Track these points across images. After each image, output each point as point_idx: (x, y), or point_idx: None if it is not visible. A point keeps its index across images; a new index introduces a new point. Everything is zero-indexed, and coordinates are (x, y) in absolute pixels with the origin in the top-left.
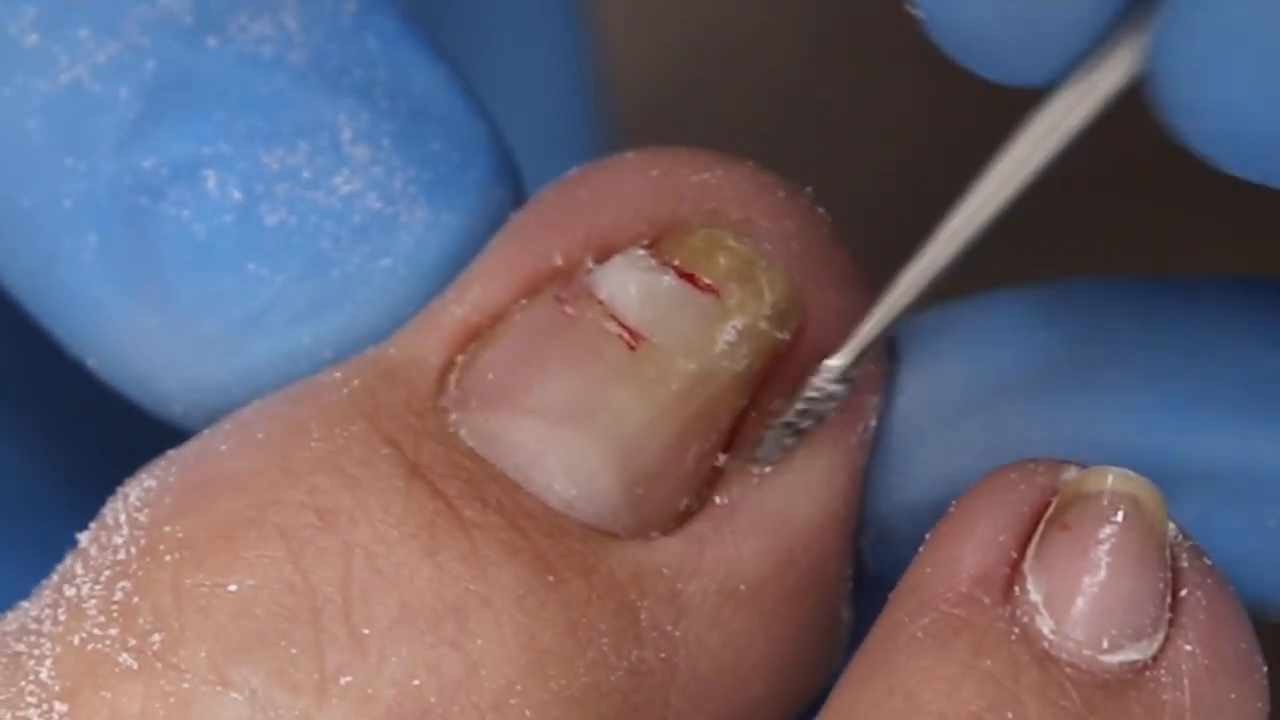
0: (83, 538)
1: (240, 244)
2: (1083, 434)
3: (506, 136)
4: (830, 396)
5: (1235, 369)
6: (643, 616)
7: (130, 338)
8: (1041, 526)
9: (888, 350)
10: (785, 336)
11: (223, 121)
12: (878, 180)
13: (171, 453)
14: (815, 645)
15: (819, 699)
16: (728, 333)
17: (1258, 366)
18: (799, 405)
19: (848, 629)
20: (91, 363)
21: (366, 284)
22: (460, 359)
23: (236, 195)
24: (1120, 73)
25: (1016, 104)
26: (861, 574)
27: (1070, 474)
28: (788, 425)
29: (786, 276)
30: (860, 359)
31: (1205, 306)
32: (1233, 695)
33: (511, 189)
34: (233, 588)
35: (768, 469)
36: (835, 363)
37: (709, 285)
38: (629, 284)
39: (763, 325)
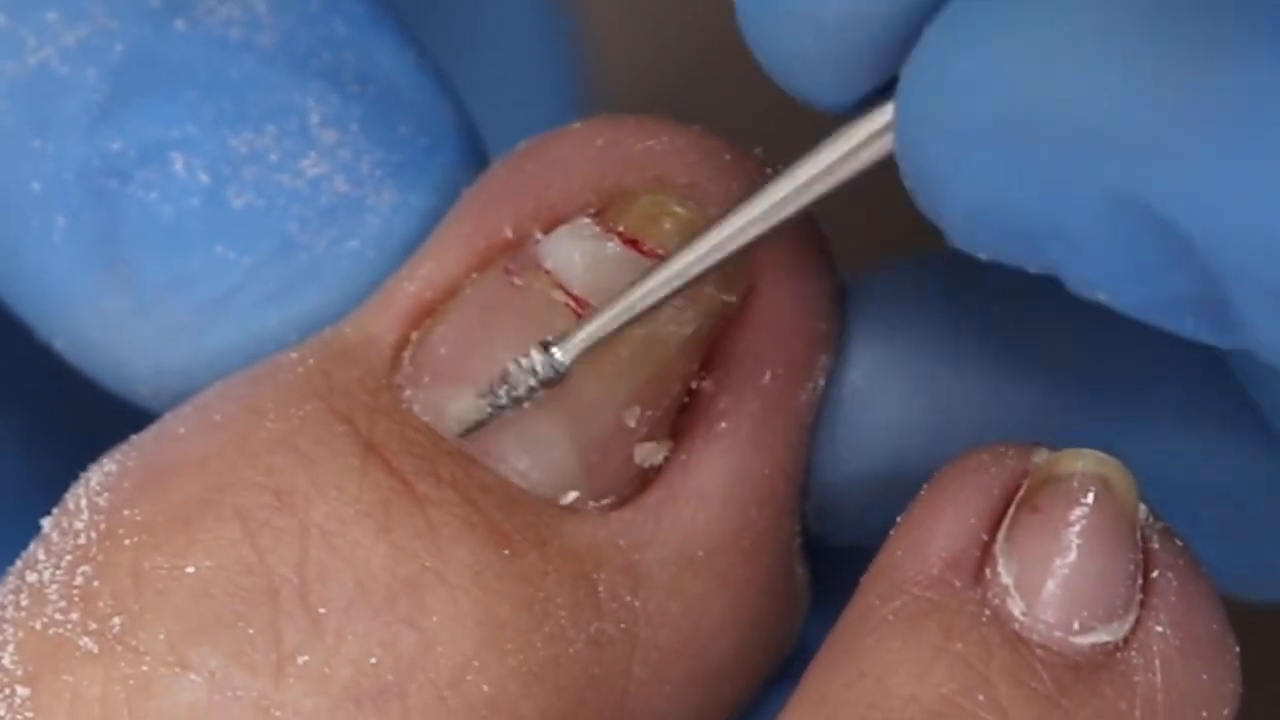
0: (46, 523)
1: (208, 227)
2: (1027, 409)
3: (493, 136)
4: (536, 386)
5: (1182, 357)
6: (600, 588)
7: (97, 320)
8: (1012, 509)
9: (840, 309)
10: (732, 299)
11: (190, 104)
12: (870, 181)
13: (134, 437)
14: (775, 604)
15: (789, 665)
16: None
17: (1200, 355)
18: (504, 386)
19: (805, 585)
20: (59, 345)
21: (334, 266)
22: (414, 336)
23: (204, 178)
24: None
25: None
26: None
27: (1041, 456)
28: (490, 403)
29: None
30: (576, 358)
31: None
32: (1204, 676)
33: (478, 172)
34: (190, 569)
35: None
36: (559, 355)
37: (653, 250)
38: (574, 252)
39: (709, 289)
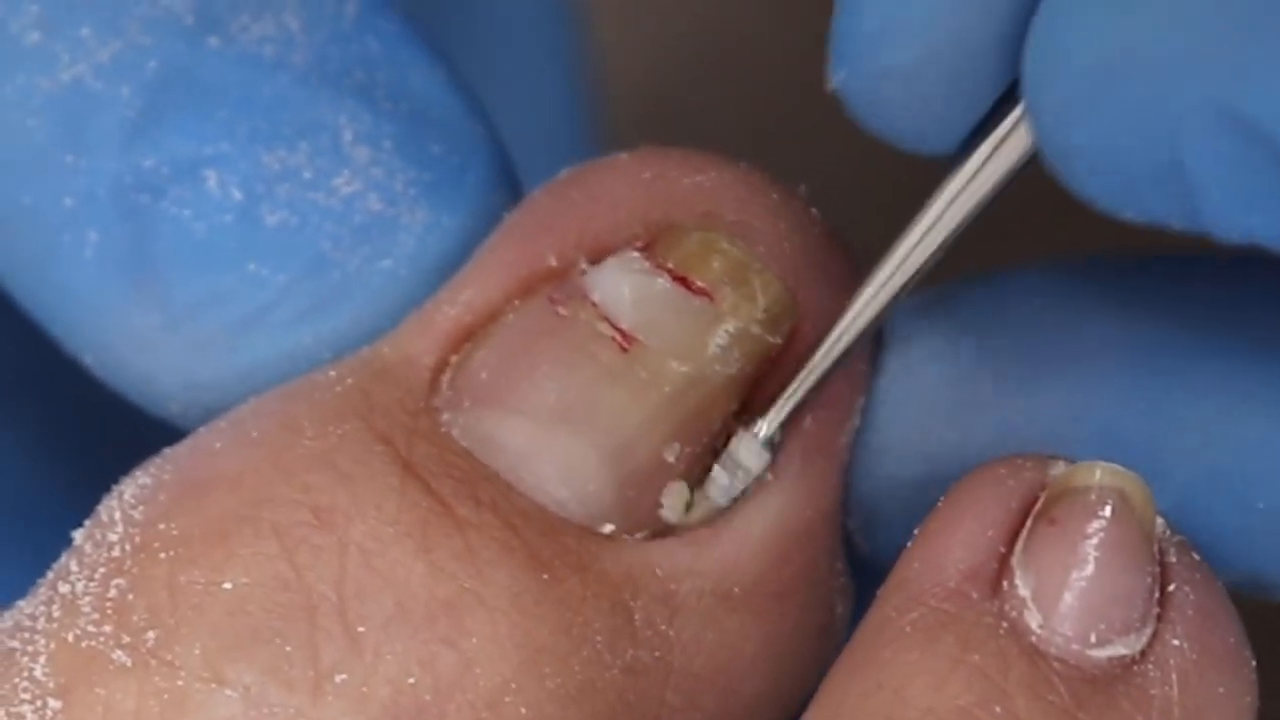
0: (78, 535)
1: (241, 244)
2: (1061, 414)
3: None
4: (748, 471)
5: (1213, 348)
6: (637, 616)
7: (129, 336)
8: (1029, 521)
9: (871, 343)
10: (777, 340)
11: (224, 121)
12: (874, 182)
13: (167, 450)
14: (810, 642)
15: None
16: (720, 336)
17: (1236, 345)
18: (718, 477)
19: (843, 624)
20: (89, 360)
21: (366, 285)
22: (454, 359)
23: (237, 195)
24: (1021, 140)
25: None
26: (855, 561)
27: (1058, 469)
28: (721, 489)
29: (780, 280)
30: (781, 428)
31: (1184, 286)
32: (1221, 689)
33: (510, 192)
34: (227, 585)
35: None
36: (761, 433)
37: (702, 289)
38: (622, 286)
39: (755, 329)
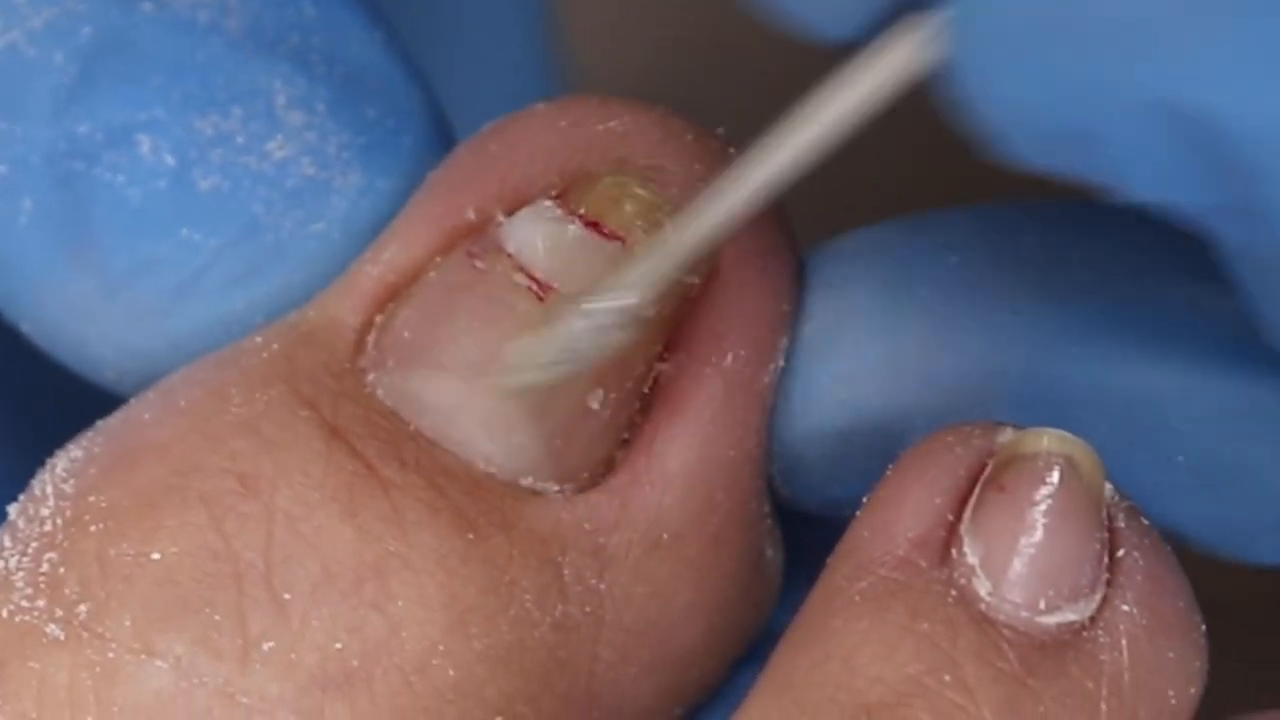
0: (12, 510)
1: (174, 209)
2: (985, 359)
3: (471, 128)
4: (577, 343)
5: (1142, 300)
6: (566, 571)
7: (64, 303)
8: (978, 489)
9: (799, 290)
10: (694, 280)
11: (158, 87)
12: (871, 180)
13: (99, 423)
14: (743, 588)
15: (756, 645)
16: None
17: (1165, 298)
18: (547, 344)
19: (774, 570)
20: (26, 328)
21: (300, 249)
22: (379, 319)
23: (170, 160)
24: (912, 57)
25: None
26: (779, 508)
27: (1006, 436)
28: (539, 360)
29: None
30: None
31: (1116, 234)
32: (1171, 654)
33: (445, 155)
34: (156, 555)
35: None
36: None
37: (614, 233)
38: (535, 235)
39: None
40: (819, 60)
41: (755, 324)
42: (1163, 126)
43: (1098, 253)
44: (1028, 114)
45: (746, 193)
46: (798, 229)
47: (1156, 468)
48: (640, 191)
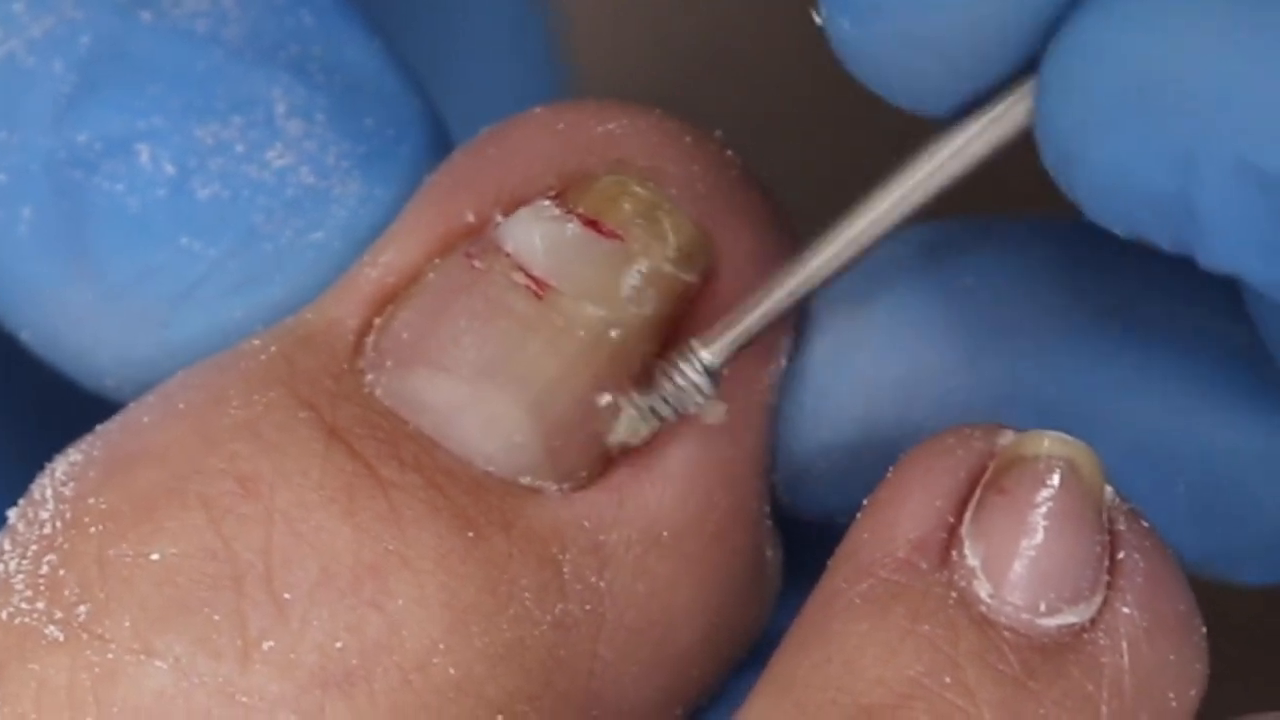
0: (11, 514)
1: (173, 218)
2: (1000, 382)
3: (468, 135)
4: (694, 389)
5: (1158, 326)
6: (565, 569)
7: (63, 312)
8: (979, 491)
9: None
10: (692, 278)
11: (157, 96)
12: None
13: (99, 427)
14: (743, 587)
15: (757, 648)
16: (632, 276)
17: (1179, 325)
18: (660, 392)
19: (774, 570)
20: (25, 336)
21: (299, 257)
22: (377, 321)
23: (170, 169)
24: (1016, 118)
25: None
26: (779, 511)
27: (1007, 438)
28: (649, 409)
29: (690, 219)
30: (730, 359)
31: (1134, 256)
32: (1172, 656)
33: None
34: (155, 557)
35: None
36: (706, 357)
37: (612, 231)
38: (533, 234)
39: (668, 268)
40: (817, 62)
41: None
42: (1251, 188)
43: (1113, 275)
44: (1113, 177)
45: (832, 255)
46: (799, 229)
47: (1157, 492)
48: (639, 189)
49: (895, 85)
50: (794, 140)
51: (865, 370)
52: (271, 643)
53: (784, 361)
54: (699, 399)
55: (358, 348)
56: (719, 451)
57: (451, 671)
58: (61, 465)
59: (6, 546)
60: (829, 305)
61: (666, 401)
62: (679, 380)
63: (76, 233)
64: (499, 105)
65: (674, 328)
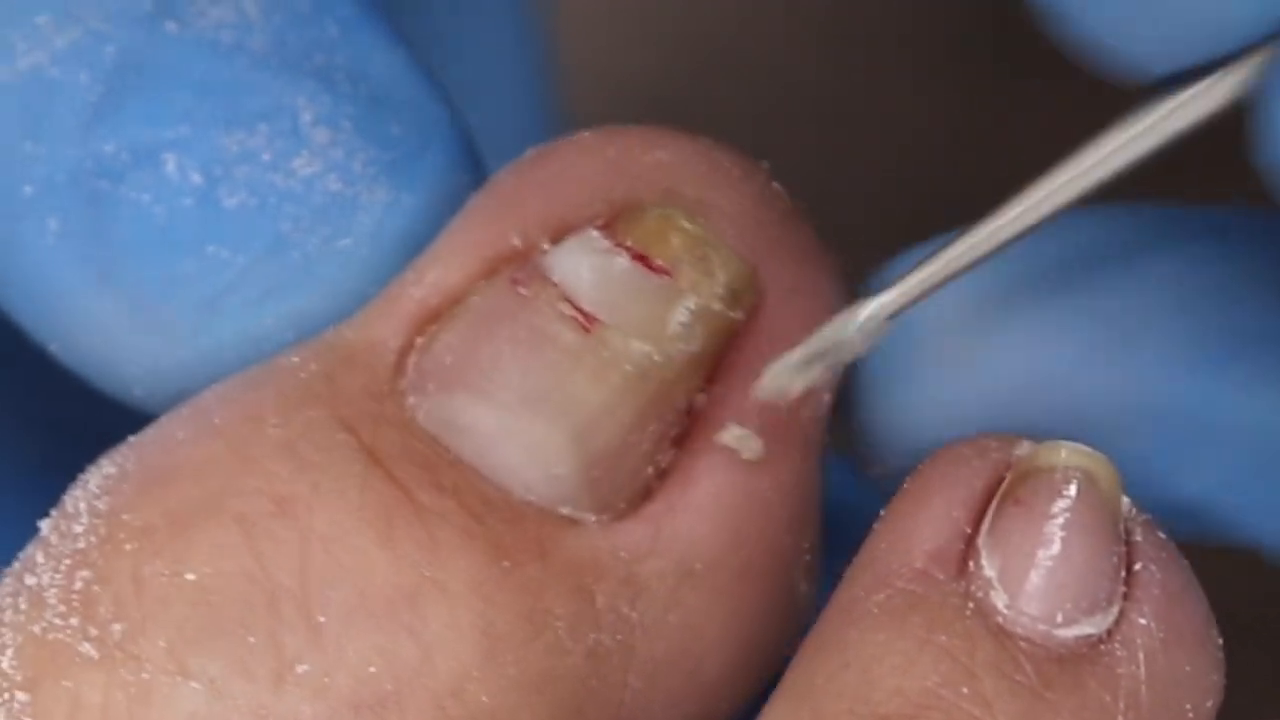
0: (44, 525)
1: (200, 227)
2: (1126, 388)
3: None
4: (842, 345)
5: (1269, 324)
6: (599, 600)
7: (91, 323)
8: (995, 502)
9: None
10: (739, 316)
11: (183, 105)
12: (872, 177)
13: (132, 439)
14: (773, 621)
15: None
16: (680, 314)
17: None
18: (810, 344)
19: (808, 602)
20: (54, 348)
21: (327, 264)
22: (419, 340)
23: (196, 178)
24: (1226, 96)
25: (1013, 102)
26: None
27: (1024, 449)
28: (804, 361)
29: (739, 256)
30: (898, 313)
31: (1236, 244)
32: (1188, 668)
33: (472, 172)
34: (191, 576)
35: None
36: (873, 307)
37: (661, 267)
38: (582, 266)
39: (716, 306)
40: (815, 61)
41: None
42: None
43: (1216, 265)
44: None
45: (1034, 207)
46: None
47: (1273, 494)
48: (687, 225)
49: (1109, 45)
50: (791, 138)
51: (986, 373)
52: (306, 666)
53: (827, 396)
54: (858, 349)
55: (399, 368)
56: (755, 486)
57: (484, 699)
58: (95, 478)
59: (39, 559)
60: (957, 300)
61: (823, 355)
62: (840, 330)
63: (104, 243)
64: (497, 103)
65: (719, 363)
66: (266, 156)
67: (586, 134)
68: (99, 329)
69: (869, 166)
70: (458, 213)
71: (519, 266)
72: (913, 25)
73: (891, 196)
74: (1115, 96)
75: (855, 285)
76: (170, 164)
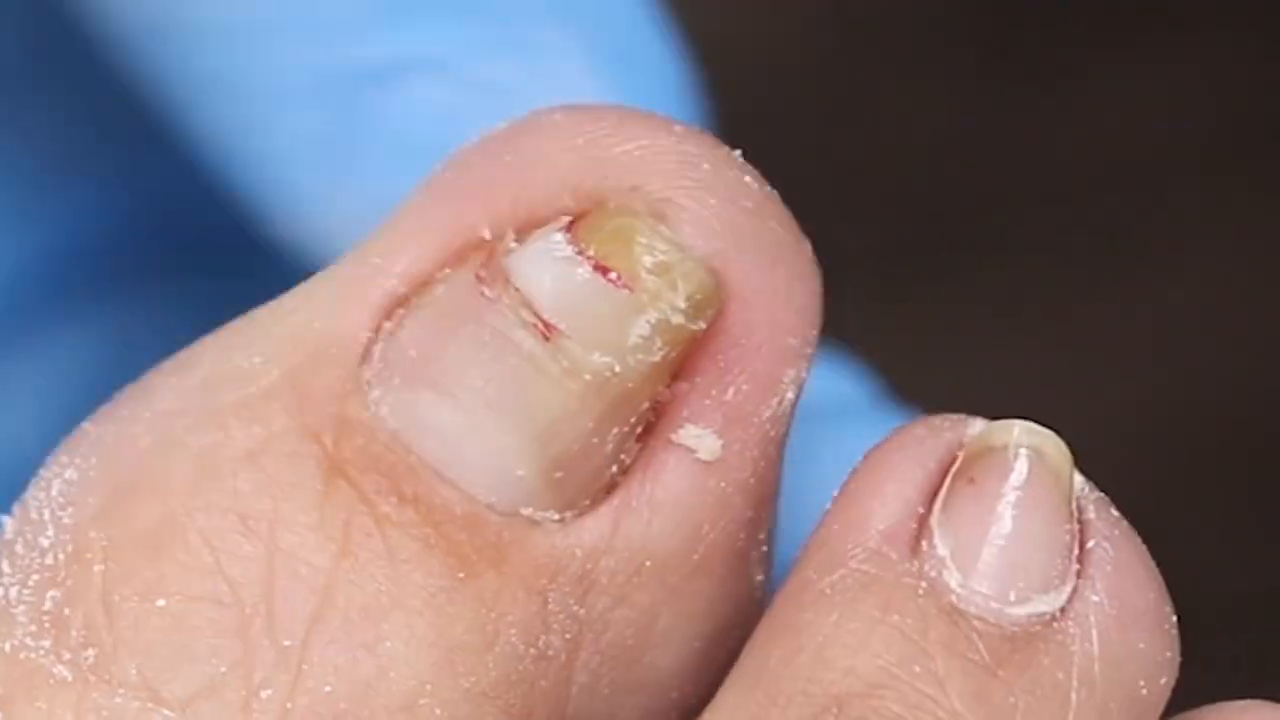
0: (9, 528)
1: (441, 147)
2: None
3: None
4: None
5: None
6: (550, 601)
7: (328, 226)
8: (948, 481)
9: (814, 321)
10: (700, 326)
11: (441, 28)
12: (874, 177)
13: (90, 430)
14: (726, 615)
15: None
16: (640, 326)
17: None
18: None
19: (763, 591)
20: (287, 247)
21: None
22: (386, 325)
23: (448, 98)
24: None
25: (1015, 101)
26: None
27: (976, 428)
28: None
29: (703, 267)
30: None
31: None
32: (1141, 645)
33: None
34: (161, 602)
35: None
36: None
37: (622, 280)
38: (544, 275)
39: (677, 319)
40: (813, 59)
41: (757, 357)
42: None
43: None
44: None
45: None
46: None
47: None
48: (646, 238)
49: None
50: (788, 136)
51: None
52: (270, 691)
53: (790, 395)
54: None
55: (365, 356)
56: (712, 485)
57: (438, 712)
58: (57, 483)
59: (5, 569)
60: None
61: None
62: None
63: (347, 146)
64: None
65: (681, 366)
66: (510, 83)
67: (558, 114)
68: (332, 228)
69: (855, 161)
70: (423, 190)
71: (483, 264)
72: (900, 20)
73: (875, 191)
74: (1111, 96)
75: (829, 278)
76: (424, 80)
